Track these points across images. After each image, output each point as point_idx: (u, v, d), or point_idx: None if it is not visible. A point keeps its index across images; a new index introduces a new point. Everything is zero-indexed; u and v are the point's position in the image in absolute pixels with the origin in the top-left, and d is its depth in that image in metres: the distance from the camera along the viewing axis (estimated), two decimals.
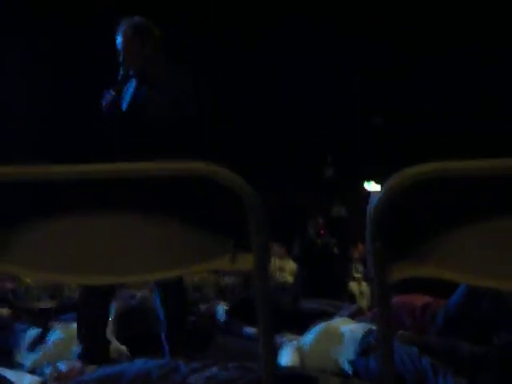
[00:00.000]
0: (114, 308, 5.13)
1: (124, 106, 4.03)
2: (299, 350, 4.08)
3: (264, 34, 12.70)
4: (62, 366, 3.72)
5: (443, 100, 12.82)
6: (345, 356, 3.83)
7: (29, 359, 4.38)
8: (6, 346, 5.03)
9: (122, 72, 4.04)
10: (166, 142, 3.87)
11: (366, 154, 13.18)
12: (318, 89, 13.21)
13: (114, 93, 3.99)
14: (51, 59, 13.03)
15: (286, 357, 4.04)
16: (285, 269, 10.74)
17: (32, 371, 3.92)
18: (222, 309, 6.34)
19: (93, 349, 4.09)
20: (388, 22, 12.66)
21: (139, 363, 3.62)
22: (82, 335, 4.12)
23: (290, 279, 10.04)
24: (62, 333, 4.45)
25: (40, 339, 4.52)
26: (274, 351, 1.29)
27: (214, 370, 3.40)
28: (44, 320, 5.15)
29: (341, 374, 3.63)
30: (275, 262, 11.11)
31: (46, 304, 7.24)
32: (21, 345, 4.75)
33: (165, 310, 4.11)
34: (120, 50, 4.04)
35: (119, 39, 4.04)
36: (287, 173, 13.88)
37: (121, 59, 4.04)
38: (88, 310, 4.13)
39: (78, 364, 3.79)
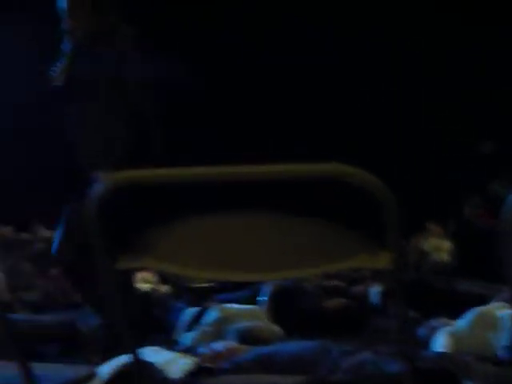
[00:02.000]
0: (269, 288, 5.21)
1: (72, 74, 3.80)
2: (454, 335, 4.01)
3: None
4: (218, 346, 3.82)
5: None
6: (501, 342, 3.74)
7: (186, 338, 4.52)
8: (165, 323, 5.24)
9: (67, 39, 3.80)
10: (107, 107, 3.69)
11: None
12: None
13: (60, 64, 3.79)
14: None
15: (440, 341, 3.99)
16: (441, 248, 10.52)
17: (188, 350, 4.05)
18: (375, 291, 6.30)
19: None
20: None
21: (292, 344, 3.67)
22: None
23: (446, 259, 9.83)
24: (219, 313, 4.56)
25: (197, 319, 4.66)
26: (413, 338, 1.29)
27: (366, 354, 3.41)
28: (202, 300, 5.31)
29: (497, 361, 3.54)
30: (431, 241, 10.91)
31: (205, 284, 7.44)
32: (179, 323, 4.93)
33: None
34: (60, 15, 3.77)
35: (58, 3, 3.79)
36: (441, 149, 13.53)
37: (62, 26, 3.78)
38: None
39: (233, 344, 3.89)
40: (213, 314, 4.57)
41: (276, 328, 4.54)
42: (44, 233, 10.02)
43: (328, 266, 1.27)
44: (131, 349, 1.50)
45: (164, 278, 8.35)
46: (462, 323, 4.09)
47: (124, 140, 3.61)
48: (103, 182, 1.26)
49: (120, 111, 3.65)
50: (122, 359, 3.03)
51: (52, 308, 6.60)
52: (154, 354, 3.17)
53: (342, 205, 1.27)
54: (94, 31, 3.75)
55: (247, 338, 4.15)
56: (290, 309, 4.92)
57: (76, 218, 3.75)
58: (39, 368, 1.81)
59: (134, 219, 1.20)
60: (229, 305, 4.77)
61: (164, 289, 7.70)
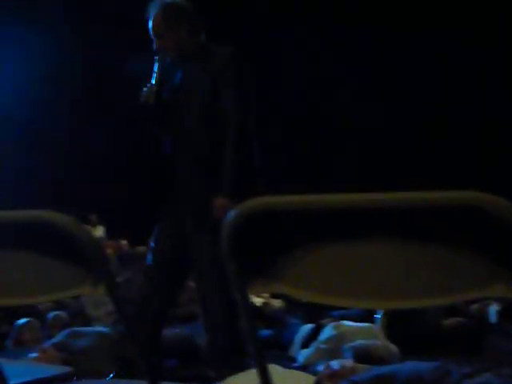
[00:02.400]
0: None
1: (165, 96, 3.76)
2: None
3: None
4: (335, 364, 3.79)
5: None
6: None
7: (302, 355, 4.52)
8: (280, 339, 5.24)
9: (157, 60, 3.71)
10: (200, 138, 3.62)
11: None
12: None
13: (150, 85, 3.69)
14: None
15: None
16: None
17: (305, 368, 4.05)
18: (493, 309, 6.13)
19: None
20: None
21: (411, 365, 3.61)
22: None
23: None
24: (334, 330, 4.54)
25: (313, 336, 4.65)
26: None
27: (487, 376, 3.32)
28: (317, 316, 5.30)
29: None
30: None
31: None
32: (294, 340, 4.93)
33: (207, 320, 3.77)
34: (152, 36, 3.71)
35: (150, 24, 3.69)
36: None
37: (154, 46, 3.70)
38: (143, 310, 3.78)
39: (349, 363, 3.86)
40: (328, 331, 4.55)
41: (392, 347, 4.48)
42: None
43: (461, 295, 1.25)
44: (259, 367, 1.51)
45: (275, 293, 8.29)
46: None
47: (225, 160, 3.56)
48: (238, 208, 1.28)
49: (215, 130, 3.62)
50: (241, 377, 3.06)
51: (168, 321, 6.69)
52: (272, 372, 3.17)
53: (475, 232, 1.25)
54: (184, 52, 3.72)
55: (363, 356, 4.11)
56: (407, 327, 4.85)
57: (160, 238, 3.77)
58: None
59: (266, 245, 1.22)
60: (344, 322, 4.74)
61: (276, 304, 7.71)
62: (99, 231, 12.56)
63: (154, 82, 3.69)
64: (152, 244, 3.79)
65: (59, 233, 1.37)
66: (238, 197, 3.38)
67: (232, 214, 1.27)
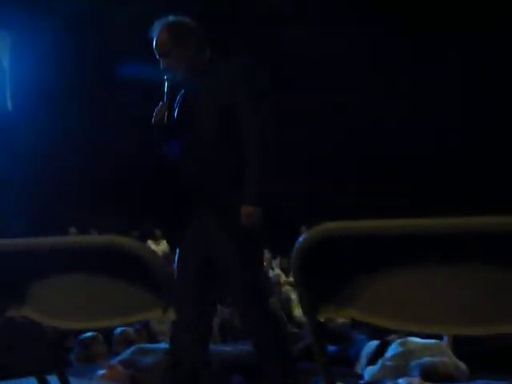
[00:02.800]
0: None
1: (177, 114, 3.68)
2: None
3: None
4: (402, 382, 3.75)
5: None
6: None
7: (368, 372, 4.47)
8: (345, 356, 5.19)
9: (167, 79, 3.64)
10: (214, 158, 3.51)
11: None
12: None
13: (163, 104, 3.64)
14: None
15: None
16: None
17: None
18: None
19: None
20: None
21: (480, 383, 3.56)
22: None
23: None
24: (401, 347, 4.48)
25: (379, 352, 4.60)
26: None
27: None
28: (383, 332, 5.24)
29: None
30: None
31: None
32: (360, 356, 4.89)
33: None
34: (158, 56, 3.64)
35: (154, 43, 3.64)
36: None
37: (161, 65, 3.63)
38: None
39: (417, 380, 3.81)
40: (395, 347, 4.49)
41: (461, 364, 4.40)
42: None
43: None
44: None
45: None
46: None
47: (248, 169, 3.49)
48: (306, 233, 1.28)
49: (231, 142, 3.50)
50: None
51: (228, 336, 6.70)
52: None
53: None
54: (193, 68, 3.64)
55: (431, 373, 4.05)
56: (475, 344, 4.76)
57: (183, 259, 3.72)
58: None
59: (334, 270, 1.21)
60: (411, 338, 4.67)
61: (340, 318, 7.64)
62: (163, 246, 12.65)
63: (165, 101, 3.67)
64: (176, 266, 3.71)
65: (131, 258, 1.39)
66: (263, 205, 3.38)
67: (300, 239, 1.27)
